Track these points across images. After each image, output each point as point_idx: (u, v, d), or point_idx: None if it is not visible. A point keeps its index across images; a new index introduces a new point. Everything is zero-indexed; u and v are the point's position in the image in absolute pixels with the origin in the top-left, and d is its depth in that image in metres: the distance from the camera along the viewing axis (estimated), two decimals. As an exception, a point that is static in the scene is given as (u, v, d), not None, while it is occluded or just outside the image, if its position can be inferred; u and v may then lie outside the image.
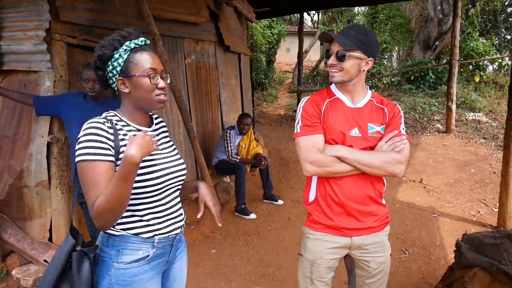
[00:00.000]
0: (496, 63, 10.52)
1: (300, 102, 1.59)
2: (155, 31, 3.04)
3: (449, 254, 3.13)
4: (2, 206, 2.85)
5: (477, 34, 10.55)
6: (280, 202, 4.41)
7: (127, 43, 1.20)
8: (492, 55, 9.68)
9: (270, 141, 6.98)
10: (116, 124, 1.22)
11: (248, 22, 6.49)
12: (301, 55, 8.65)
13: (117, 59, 1.20)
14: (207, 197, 1.41)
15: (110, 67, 1.21)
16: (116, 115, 1.26)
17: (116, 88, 1.25)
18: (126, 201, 1.13)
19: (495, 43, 11.89)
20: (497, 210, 3.72)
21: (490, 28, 13.36)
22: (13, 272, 2.66)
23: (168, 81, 1.28)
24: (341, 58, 1.46)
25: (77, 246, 1.18)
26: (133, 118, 1.27)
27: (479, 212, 4.00)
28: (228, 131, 4.26)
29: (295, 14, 12.94)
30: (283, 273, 2.97)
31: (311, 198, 1.60)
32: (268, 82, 12.45)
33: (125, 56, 1.20)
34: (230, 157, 4.21)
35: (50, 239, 2.81)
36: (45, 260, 2.68)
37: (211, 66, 4.65)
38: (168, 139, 1.42)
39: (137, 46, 1.22)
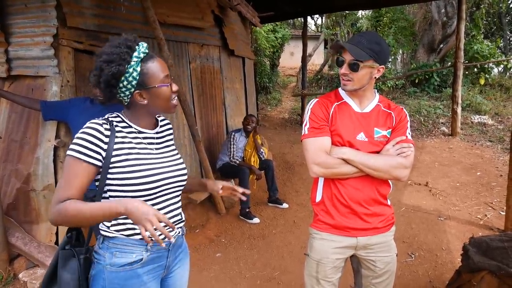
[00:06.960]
0: (502, 66, 10.48)
1: (309, 104, 1.60)
2: (161, 36, 3.08)
3: (456, 258, 3.10)
4: (9, 210, 2.87)
5: (482, 36, 10.51)
6: (285, 205, 4.40)
7: (135, 54, 1.17)
8: (497, 57, 9.63)
9: (274, 144, 6.97)
10: (116, 125, 1.21)
11: (252, 26, 6.52)
12: (305, 58, 8.68)
13: (132, 73, 1.16)
14: (219, 184, 1.49)
15: (125, 82, 1.16)
16: (118, 117, 1.25)
17: (127, 100, 1.21)
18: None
19: (500, 46, 11.82)
20: (504, 213, 3.68)
21: (495, 31, 13.30)
22: (20, 275, 2.68)
23: None
24: (354, 68, 1.47)
25: (67, 244, 1.19)
26: (141, 122, 1.26)
27: (486, 215, 3.97)
28: (234, 133, 4.36)
29: (299, 18, 12.97)
30: (288, 277, 2.96)
31: (318, 198, 1.63)
32: (272, 86, 12.47)
33: (138, 69, 1.17)
34: (231, 158, 4.26)
35: (56, 243, 2.82)
36: (51, 264, 2.70)
37: (215, 70, 4.68)
38: (170, 142, 1.39)
39: (145, 54, 1.19)
